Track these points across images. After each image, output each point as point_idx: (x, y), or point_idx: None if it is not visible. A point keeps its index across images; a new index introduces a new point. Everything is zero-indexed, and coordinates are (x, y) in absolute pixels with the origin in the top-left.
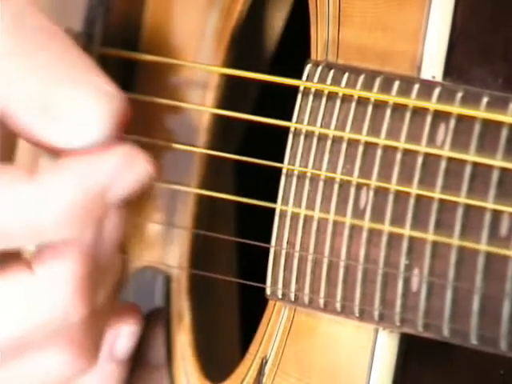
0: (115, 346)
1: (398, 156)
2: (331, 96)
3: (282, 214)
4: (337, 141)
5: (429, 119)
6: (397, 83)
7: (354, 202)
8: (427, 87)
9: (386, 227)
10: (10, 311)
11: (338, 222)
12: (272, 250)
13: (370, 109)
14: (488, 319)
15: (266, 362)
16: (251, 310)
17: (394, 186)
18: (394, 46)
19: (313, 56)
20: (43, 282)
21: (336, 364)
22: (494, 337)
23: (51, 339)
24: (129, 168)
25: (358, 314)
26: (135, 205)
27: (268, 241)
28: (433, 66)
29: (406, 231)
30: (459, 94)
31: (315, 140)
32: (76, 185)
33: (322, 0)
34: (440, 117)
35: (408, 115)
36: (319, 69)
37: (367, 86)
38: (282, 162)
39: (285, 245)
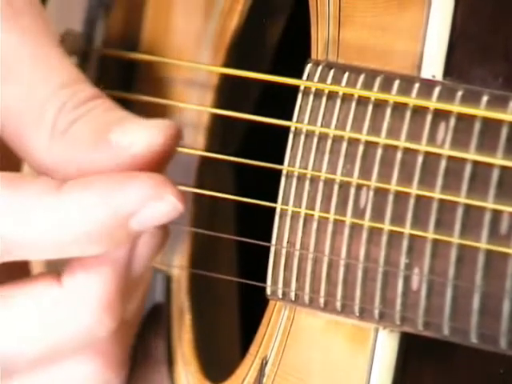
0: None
1: (398, 155)
2: (331, 95)
3: (283, 214)
4: (337, 140)
5: (429, 118)
6: (397, 82)
7: (354, 202)
8: (427, 86)
9: (386, 226)
10: (37, 322)
11: (338, 222)
12: (272, 250)
13: (370, 108)
14: (488, 317)
15: (267, 363)
16: (252, 310)
17: (393, 186)
18: (394, 45)
19: (313, 56)
20: (71, 295)
21: (336, 364)
22: (493, 335)
23: (80, 350)
24: (156, 200)
25: (358, 313)
26: None
27: (268, 241)
28: (433, 66)
29: (406, 230)
30: (459, 93)
31: (315, 140)
32: (99, 206)
33: (323, 0)
34: (440, 116)
35: (408, 114)
36: (319, 68)
37: (367, 85)
38: (282, 161)
39: (285, 244)
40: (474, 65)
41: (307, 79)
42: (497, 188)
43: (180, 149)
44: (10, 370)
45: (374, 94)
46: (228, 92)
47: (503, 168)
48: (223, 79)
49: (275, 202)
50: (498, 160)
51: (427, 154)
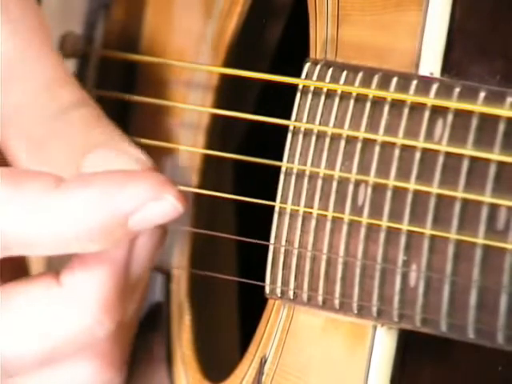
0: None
1: (396, 152)
2: (330, 94)
3: (281, 212)
4: (335, 138)
5: (426, 115)
6: (395, 80)
7: (353, 199)
8: (425, 83)
9: (384, 223)
10: (35, 322)
11: (336, 219)
12: (271, 248)
13: (368, 106)
14: (485, 312)
15: (266, 361)
16: (251, 310)
17: (391, 181)
18: (392, 43)
19: (312, 55)
20: (70, 295)
21: (335, 361)
22: (491, 330)
23: (79, 351)
24: (155, 200)
25: (356, 311)
26: None
27: (267, 240)
28: (431, 63)
29: (404, 227)
30: (457, 89)
31: (314, 138)
32: (99, 204)
33: None
34: (438, 112)
35: (406, 111)
36: (318, 67)
37: (365, 83)
38: (281, 161)
39: (284, 243)
40: (472, 62)
41: (306, 78)
42: (494, 183)
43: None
44: (8, 371)
45: (372, 92)
46: (228, 92)
47: (500, 163)
48: (223, 80)
49: (275, 201)
50: (495, 155)
51: (425, 151)
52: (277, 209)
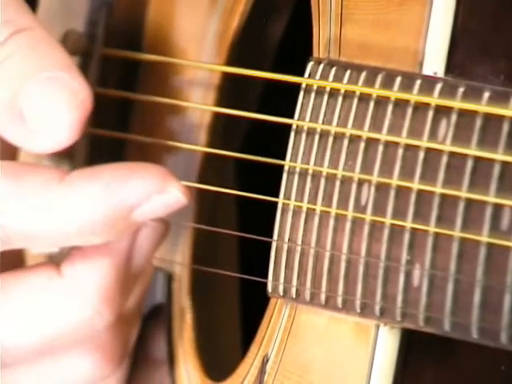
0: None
1: (400, 151)
2: (333, 93)
3: (284, 210)
4: (338, 137)
5: (430, 114)
6: (398, 79)
7: (356, 199)
8: (429, 83)
9: (388, 221)
10: (35, 312)
11: (339, 217)
12: (274, 246)
13: (371, 105)
14: (489, 312)
15: (268, 361)
16: (253, 309)
17: (395, 181)
18: (395, 42)
19: (315, 54)
20: (71, 285)
21: (337, 361)
22: (494, 330)
23: (78, 343)
24: (160, 192)
25: (359, 310)
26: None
27: (270, 238)
28: (434, 63)
29: (408, 224)
30: (461, 89)
31: (317, 137)
32: (104, 197)
33: None
34: (441, 112)
35: (410, 111)
36: (321, 66)
37: (369, 82)
38: (284, 160)
39: (286, 240)
40: (476, 62)
41: (309, 77)
42: (498, 183)
43: (182, 147)
44: (7, 361)
45: (376, 91)
46: (230, 91)
47: (504, 163)
48: (225, 78)
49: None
50: (500, 155)
51: (428, 150)
52: (279, 206)
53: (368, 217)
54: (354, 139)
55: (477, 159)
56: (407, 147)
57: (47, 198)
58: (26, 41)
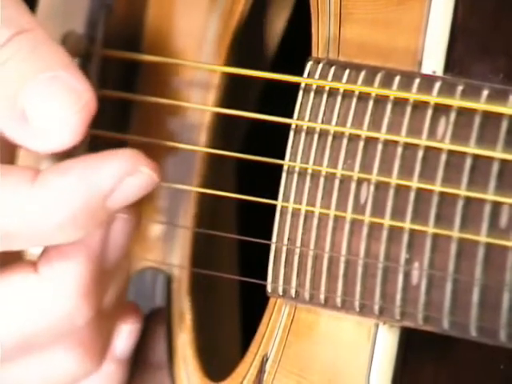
0: (115, 346)
1: (399, 150)
2: (332, 92)
3: (283, 211)
4: (338, 137)
5: (429, 113)
6: (397, 78)
7: (355, 198)
8: (428, 81)
9: (387, 221)
10: (14, 311)
11: (338, 217)
12: (273, 247)
13: (370, 104)
14: (487, 310)
15: (267, 360)
16: (252, 309)
17: (394, 180)
18: (395, 41)
19: (314, 53)
20: (48, 282)
21: (337, 360)
22: (493, 328)
23: (58, 340)
24: (132, 174)
25: (358, 309)
26: (136, 205)
27: (269, 239)
28: (433, 61)
29: (407, 225)
30: (459, 88)
31: (316, 136)
32: (78, 189)
33: None
34: (440, 110)
35: (409, 109)
36: (320, 66)
37: (368, 81)
38: (283, 159)
39: (286, 241)
40: (475, 60)
41: (308, 77)
42: (497, 181)
43: (182, 148)
44: None
45: (374, 90)
46: (230, 91)
47: (503, 161)
48: (225, 78)
49: (277, 200)
50: (498, 153)
51: (427, 149)
52: (278, 207)
53: (367, 218)
54: (353, 138)
55: (476, 157)
56: (406, 146)
57: (23, 197)
58: (27, 42)
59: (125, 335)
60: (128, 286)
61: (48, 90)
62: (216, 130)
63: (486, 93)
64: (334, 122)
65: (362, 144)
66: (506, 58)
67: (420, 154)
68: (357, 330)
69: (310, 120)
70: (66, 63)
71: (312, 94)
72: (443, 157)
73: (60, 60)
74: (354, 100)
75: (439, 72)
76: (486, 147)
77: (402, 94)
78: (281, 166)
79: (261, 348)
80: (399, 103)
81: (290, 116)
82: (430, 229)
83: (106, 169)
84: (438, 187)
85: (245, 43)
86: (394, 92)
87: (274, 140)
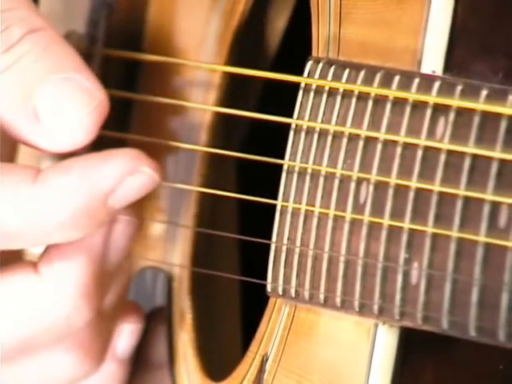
0: (116, 346)
1: (398, 150)
2: (332, 92)
3: (283, 211)
4: (337, 136)
5: (428, 113)
6: (397, 78)
7: (354, 197)
8: (427, 81)
9: (386, 221)
10: (14, 311)
11: (338, 217)
12: (273, 247)
13: (370, 104)
14: (486, 310)
15: (267, 359)
16: (252, 308)
17: (393, 179)
18: (394, 41)
19: (314, 53)
20: (48, 283)
21: (336, 359)
22: (492, 328)
23: (58, 341)
24: (133, 174)
25: (357, 309)
26: (137, 205)
27: (269, 238)
28: (433, 61)
29: (406, 225)
30: (459, 88)
31: (316, 136)
32: (79, 188)
33: None
34: (439, 110)
35: (408, 109)
36: (320, 65)
37: (368, 81)
38: (283, 159)
39: (285, 241)
40: (475, 60)
41: (308, 76)
42: (496, 181)
43: (183, 147)
44: None
45: (374, 90)
46: (230, 91)
47: (502, 161)
48: (226, 78)
49: (277, 200)
50: (497, 153)
51: (427, 149)
52: (278, 207)
53: (366, 218)
54: (353, 138)
55: (475, 157)
56: (405, 145)
57: (21, 197)
58: (39, 41)
59: (126, 335)
60: (129, 287)
61: (60, 91)
62: (216, 130)
63: (484, 93)
64: (333, 121)
65: (361, 144)
66: (505, 57)
67: (419, 153)
68: (356, 329)
69: (309, 120)
70: (78, 63)
71: (312, 94)
72: (442, 157)
73: (72, 60)
74: (354, 100)
75: (439, 72)
76: (484, 147)
77: (402, 94)
78: (281, 166)
79: (261, 347)
80: (398, 103)
81: (290, 115)
82: (429, 229)
83: (107, 168)
84: (437, 187)
85: (245, 42)
86: (393, 92)
87: (274, 139)
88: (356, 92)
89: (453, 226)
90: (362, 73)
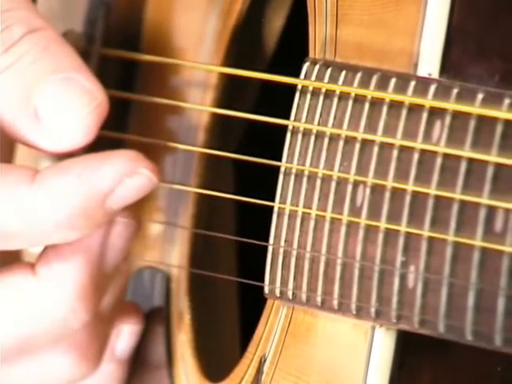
0: (115, 346)
1: (395, 153)
2: (328, 94)
3: (280, 213)
4: (334, 138)
5: (425, 116)
6: (393, 80)
7: (351, 200)
8: (423, 84)
9: (383, 224)
10: (11, 312)
11: (335, 220)
12: (270, 249)
13: (366, 106)
14: (483, 315)
15: (265, 361)
16: (251, 309)
17: (390, 183)
18: (391, 43)
19: (311, 54)
20: (46, 284)
21: (334, 361)
22: (488, 332)
23: (56, 342)
24: (131, 175)
25: (354, 311)
26: (136, 205)
27: (267, 240)
28: (429, 64)
29: (402, 228)
30: (455, 91)
31: (313, 138)
32: (77, 189)
33: None
34: (436, 113)
35: (404, 112)
36: (317, 67)
37: (364, 83)
38: (280, 160)
39: (283, 243)
40: (471, 63)
41: (305, 78)
42: (492, 185)
43: (180, 148)
44: None
45: (371, 93)
46: (228, 91)
47: (498, 165)
48: (223, 78)
49: (274, 201)
50: (493, 157)
51: (423, 152)
52: (276, 209)
53: (363, 221)
54: (350, 140)
55: (471, 161)
56: (402, 148)
57: (19, 197)
58: (38, 41)
59: (126, 335)
60: (127, 288)
61: (60, 91)
62: (213, 131)
63: (480, 96)
64: (330, 123)
65: (358, 146)
66: (501, 60)
67: (415, 157)
68: (354, 331)
69: (306, 121)
70: (78, 63)
71: (309, 96)
72: (438, 160)
73: (72, 60)
74: (351, 102)
75: (435, 74)
76: (480, 151)
77: (398, 97)
78: (278, 167)
79: (259, 349)
80: (395, 106)
81: (287, 117)
82: (426, 232)
83: (105, 169)
84: (433, 190)
85: (243, 42)
86: (390, 95)
87: (272, 141)
88: (353, 94)
89: (449, 229)
90: (359, 75)
